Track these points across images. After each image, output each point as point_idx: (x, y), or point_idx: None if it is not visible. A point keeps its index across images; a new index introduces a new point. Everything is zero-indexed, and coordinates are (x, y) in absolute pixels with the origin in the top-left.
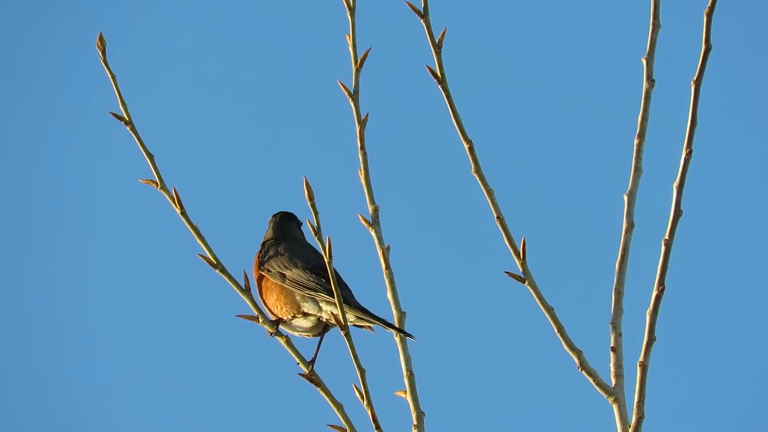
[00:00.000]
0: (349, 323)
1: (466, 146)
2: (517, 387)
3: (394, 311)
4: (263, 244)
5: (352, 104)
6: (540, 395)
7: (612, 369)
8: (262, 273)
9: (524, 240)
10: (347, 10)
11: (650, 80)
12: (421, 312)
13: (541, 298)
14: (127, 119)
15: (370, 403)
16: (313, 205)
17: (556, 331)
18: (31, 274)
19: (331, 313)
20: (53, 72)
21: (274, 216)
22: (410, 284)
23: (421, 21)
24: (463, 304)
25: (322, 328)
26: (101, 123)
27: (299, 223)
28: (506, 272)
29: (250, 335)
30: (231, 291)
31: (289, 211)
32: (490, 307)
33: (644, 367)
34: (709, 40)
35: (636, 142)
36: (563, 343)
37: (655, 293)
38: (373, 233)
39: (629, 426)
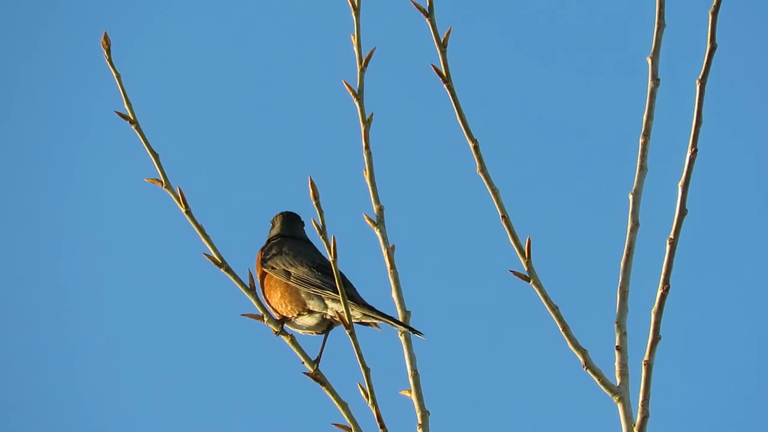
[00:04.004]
0: (355, 321)
1: (471, 145)
2: (522, 386)
3: (399, 310)
4: (266, 242)
5: (356, 104)
6: (545, 394)
7: (617, 368)
8: (265, 270)
9: (529, 239)
10: (352, 10)
11: (655, 79)
12: (426, 311)
13: (546, 297)
14: (132, 118)
15: (374, 402)
16: (318, 204)
17: (561, 330)
18: (36, 272)
19: (337, 311)
20: (58, 71)
21: (277, 216)
22: (415, 283)
23: (426, 20)
24: (467, 304)
25: (326, 326)
26: (106, 122)
27: (303, 223)
28: (511, 271)
29: (255, 334)
30: (236, 290)
31: (292, 210)
32: (495, 306)
33: (649, 366)
34: (715, 39)
35: (641, 141)
36: (568, 342)
37: (660, 292)
38: (377, 233)
39: (634, 425)
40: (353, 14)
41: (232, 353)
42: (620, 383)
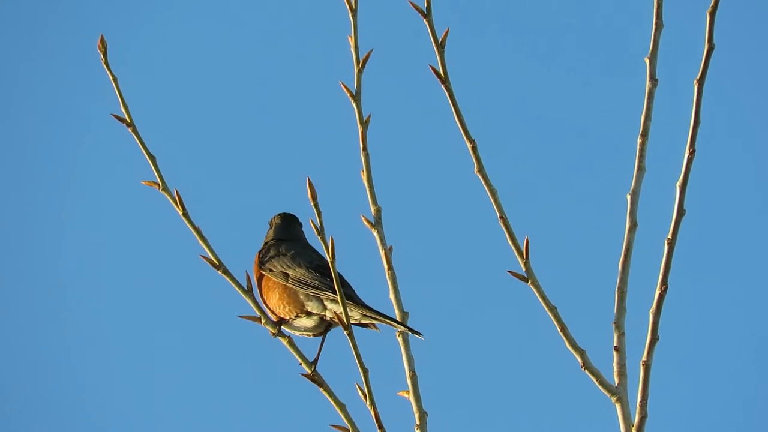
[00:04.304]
0: (354, 321)
1: (469, 146)
2: (520, 387)
3: (397, 312)
4: (264, 244)
5: (354, 105)
6: (543, 395)
7: (615, 368)
8: (263, 273)
9: (527, 239)
10: (349, 11)
11: (653, 79)
12: (424, 312)
13: (544, 298)
14: (129, 121)
15: (372, 403)
16: (316, 206)
17: (559, 330)
18: (33, 275)
19: (336, 312)
20: (55, 74)
21: (275, 217)
22: (413, 285)
23: (424, 20)
24: (465, 304)
25: (324, 327)
26: (103, 125)
27: (300, 225)
28: (509, 272)
29: (253, 336)
30: (233, 292)
31: (290, 212)
32: (493, 307)
33: (647, 366)
34: (712, 40)
35: (639, 141)
36: (566, 343)
37: (658, 292)
38: (375, 234)
39: (632, 425)
40: (350, 15)
41: (230, 355)
42: (618, 384)
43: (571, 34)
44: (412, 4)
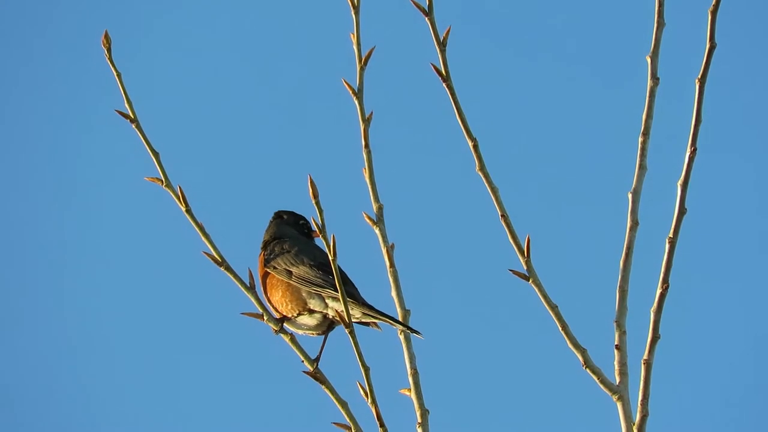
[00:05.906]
0: (355, 320)
1: (470, 144)
2: (521, 385)
3: (399, 309)
4: (267, 242)
5: (356, 102)
6: (544, 393)
7: (616, 367)
8: (268, 270)
9: (528, 237)
10: (351, 8)
11: (655, 78)
12: (426, 310)
13: (545, 296)
14: (133, 117)
15: (374, 401)
16: (317, 203)
17: (560, 328)
18: (36, 270)
19: (337, 310)
20: (59, 70)
21: (278, 213)
22: (414, 282)
23: (426, 19)
24: (467, 302)
25: (326, 326)
26: (107, 121)
27: (297, 220)
28: (510, 270)
29: (255, 333)
30: (235, 289)
31: (292, 209)
32: (494, 305)
33: (648, 365)
34: (714, 38)
35: (640, 140)
36: (567, 341)
37: (659, 291)
38: (377, 231)
39: (633, 424)
40: (353, 13)
41: (232, 352)
42: (619, 382)
43: (573, 33)
44: (414, 3)
